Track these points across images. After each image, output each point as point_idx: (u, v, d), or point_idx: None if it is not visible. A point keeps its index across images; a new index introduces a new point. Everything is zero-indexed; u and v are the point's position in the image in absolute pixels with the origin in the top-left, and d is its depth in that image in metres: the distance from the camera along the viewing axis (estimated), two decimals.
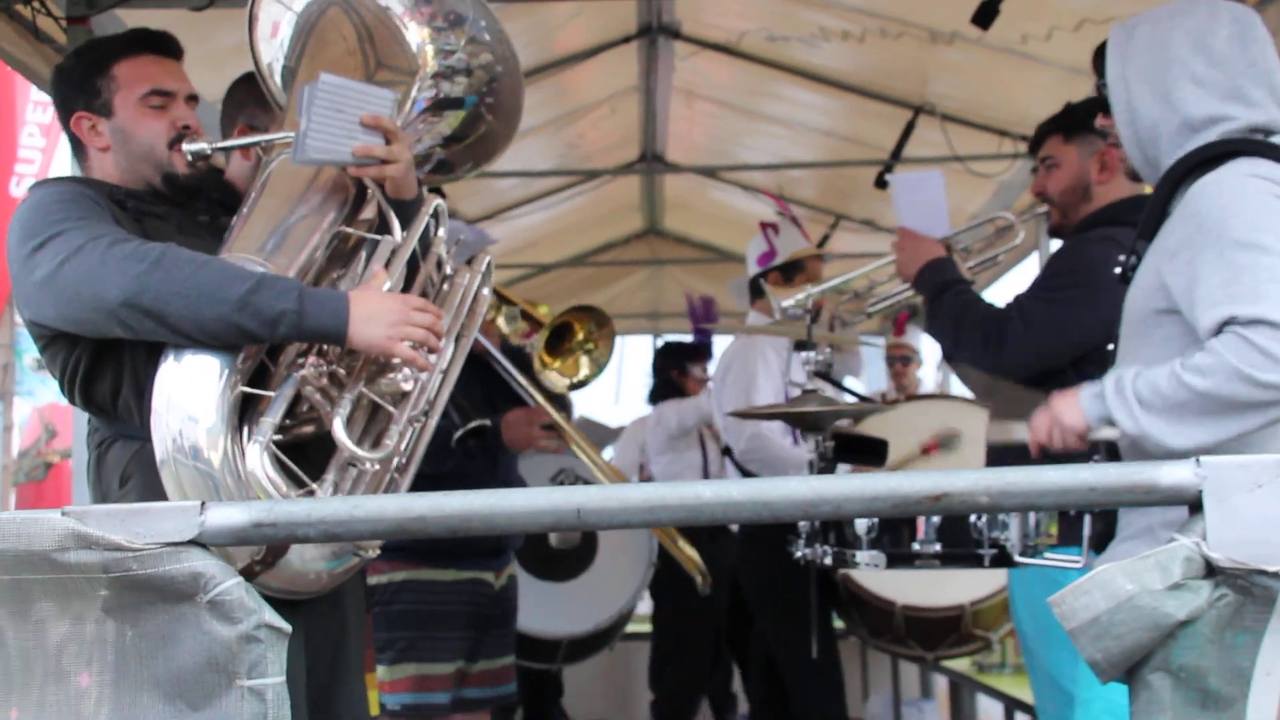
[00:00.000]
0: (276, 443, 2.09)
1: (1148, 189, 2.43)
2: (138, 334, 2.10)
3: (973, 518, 2.49)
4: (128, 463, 2.20)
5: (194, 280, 2.05)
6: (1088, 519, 2.31)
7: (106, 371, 2.21)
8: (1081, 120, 2.97)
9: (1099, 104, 2.43)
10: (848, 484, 1.48)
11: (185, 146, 2.30)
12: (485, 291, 2.60)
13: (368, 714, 2.54)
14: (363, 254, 2.31)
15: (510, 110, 2.54)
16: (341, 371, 2.18)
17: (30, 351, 8.86)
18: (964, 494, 1.45)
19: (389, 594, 3.48)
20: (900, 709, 6.33)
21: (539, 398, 3.56)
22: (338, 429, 2.09)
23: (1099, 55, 2.40)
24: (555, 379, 3.65)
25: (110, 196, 2.27)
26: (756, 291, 4.54)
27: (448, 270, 2.50)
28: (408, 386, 2.21)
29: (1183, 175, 2.17)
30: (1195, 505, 1.42)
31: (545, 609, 4.61)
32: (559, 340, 3.71)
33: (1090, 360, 2.82)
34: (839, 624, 4.59)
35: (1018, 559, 2.50)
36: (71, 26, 3.46)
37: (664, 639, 5.81)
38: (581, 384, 3.70)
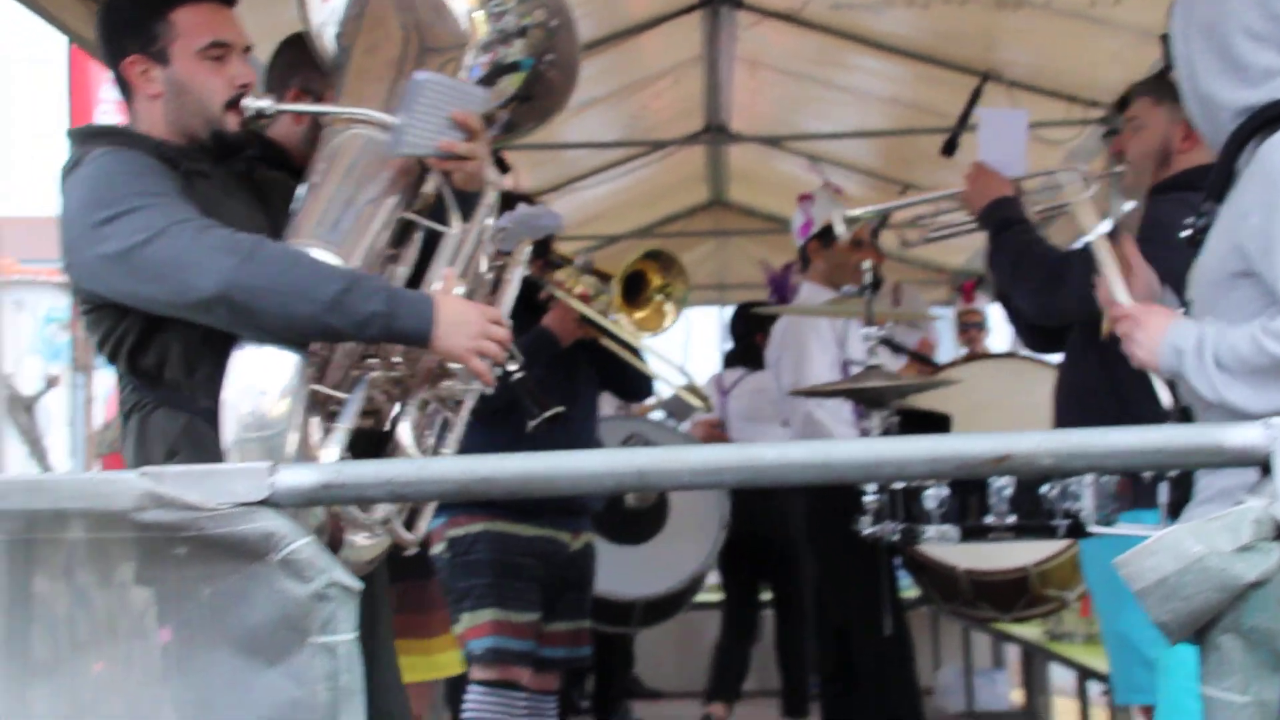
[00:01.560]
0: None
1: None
2: (216, 324, 2.09)
3: (1044, 488, 2.46)
4: (175, 437, 2.18)
5: (286, 277, 2.04)
6: (1163, 485, 2.29)
7: (155, 343, 2.19)
8: (1173, 87, 2.96)
9: None
10: (910, 445, 1.48)
11: (247, 103, 2.25)
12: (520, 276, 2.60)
13: (400, 685, 2.56)
14: (417, 235, 2.30)
15: (569, 64, 2.50)
16: (405, 373, 2.19)
17: None
18: (1028, 455, 1.45)
19: (466, 544, 3.54)
20: (972, 678, 6.30)
21: (632, 342, 3.54)
22: (406, 434, 2.11)
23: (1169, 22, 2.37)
24: (638, 330, 3.59)
25: (159, 155, 2.22)
26: (805, 263, 4.53)
27: (499, 263, 2.48)
28: (466, 396, 2.23)
29: (1249, 134, 2.14)
30: (1265, 466, 1.40)
31: (619, 572, 4.63)
32: (635, 291, 3.67)
33: None
34: (910, 594, 4.58)
35: (1092, 529, 2.48)
36: None
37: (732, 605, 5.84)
38: (668, 329, 3.63)
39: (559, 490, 1.53)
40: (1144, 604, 1.38)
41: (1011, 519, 2.47)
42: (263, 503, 1.54)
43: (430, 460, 1.60)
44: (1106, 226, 3.17)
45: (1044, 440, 1.45)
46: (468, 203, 2.33)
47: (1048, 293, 2.87)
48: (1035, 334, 3.28)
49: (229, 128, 2.27)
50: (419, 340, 2.12)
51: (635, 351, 3.61)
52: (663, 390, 4.25)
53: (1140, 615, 1.45)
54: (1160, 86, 3.03)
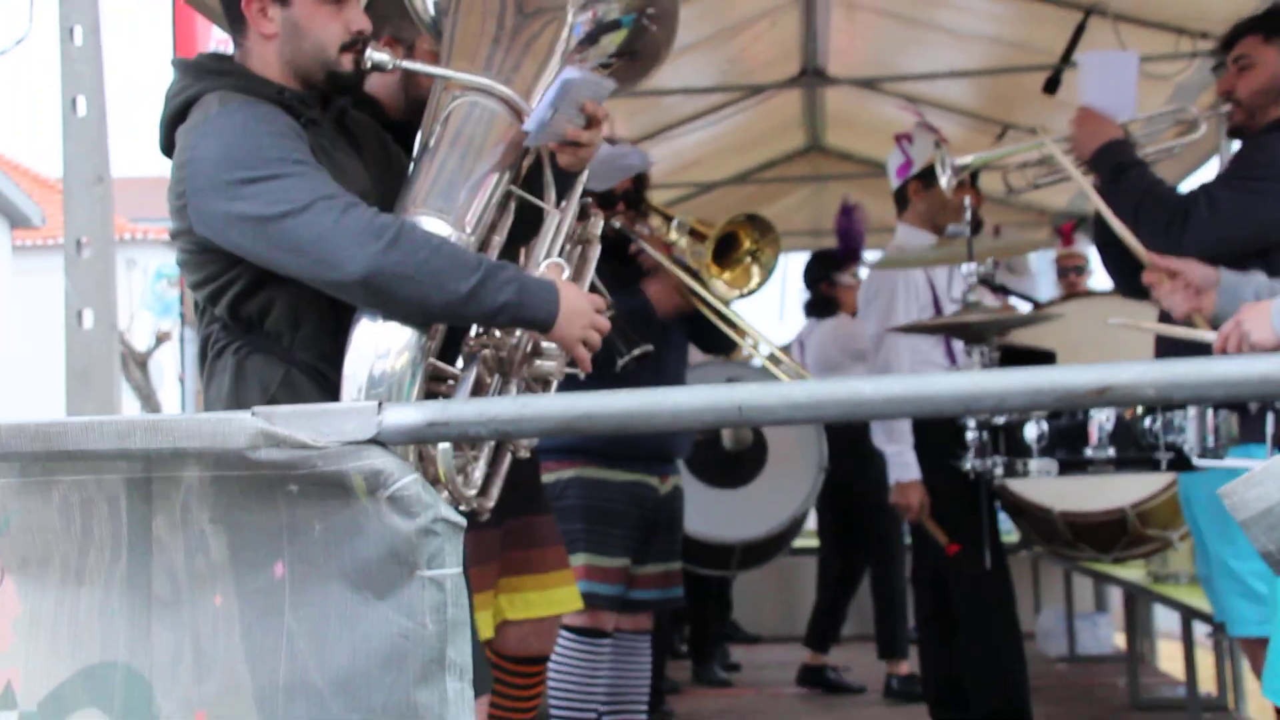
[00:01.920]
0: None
1: None
2: (350, 301, 2.13)
3: (1146, 421, 2.45)
4: (275, 386, 2.19)
5: (427, 267, 2.07)
6: (1270, 416, 2.26)
7: (262, 294, 2.20)
8: None
9: None
10: (1009, 377, 1.48)
11: (371, 54, 2.26)
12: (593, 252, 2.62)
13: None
14: (512, 204, 2.32)
15: (670, 16, 2.51)
16: (508, 353, 2.23)
17: None
18: (1129, 386, 1.44)
19: (558, 490, 3.60)
20: (1074, 622, 6.26)
21: (720, 307, 3.59)
22: None
23: None
24: (724, 289, 3.68)
25: (280, 101, 2.23)
26: (902, 204, 4.48)
27: (588, 238, 2.50)
28: (557, 376, 2.27)
29: None
30: None
31: (718, 515, 4.68)
32: (726, 251, 3.73)
33: (1277, 254, 2.79)
34: (1011, 538, 4.56)
35: (1197, 462, 2.46)
36: None
37: (828, 550, 5.85)
38: (753, 291, 3.72)
39: (659, 426, 1.55)
40: (1249, 534, 1.36)
41: (1111, 452, 2.46)
42: (371, 441, 1.58)
43: (532, 398, 1.63)
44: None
45: (1146, 371, 1.44)
46: (566, 181, 2.36)
47: (1177, 232, 2.85)
48: (1135, 282, 3.24)
49: (344, 68, 2.26)
50: (542, 328, 2.18)
51: (729, 321, 3.65)
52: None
53: (1247, 548, 1.44)
54: (1269, 23, 2.99)
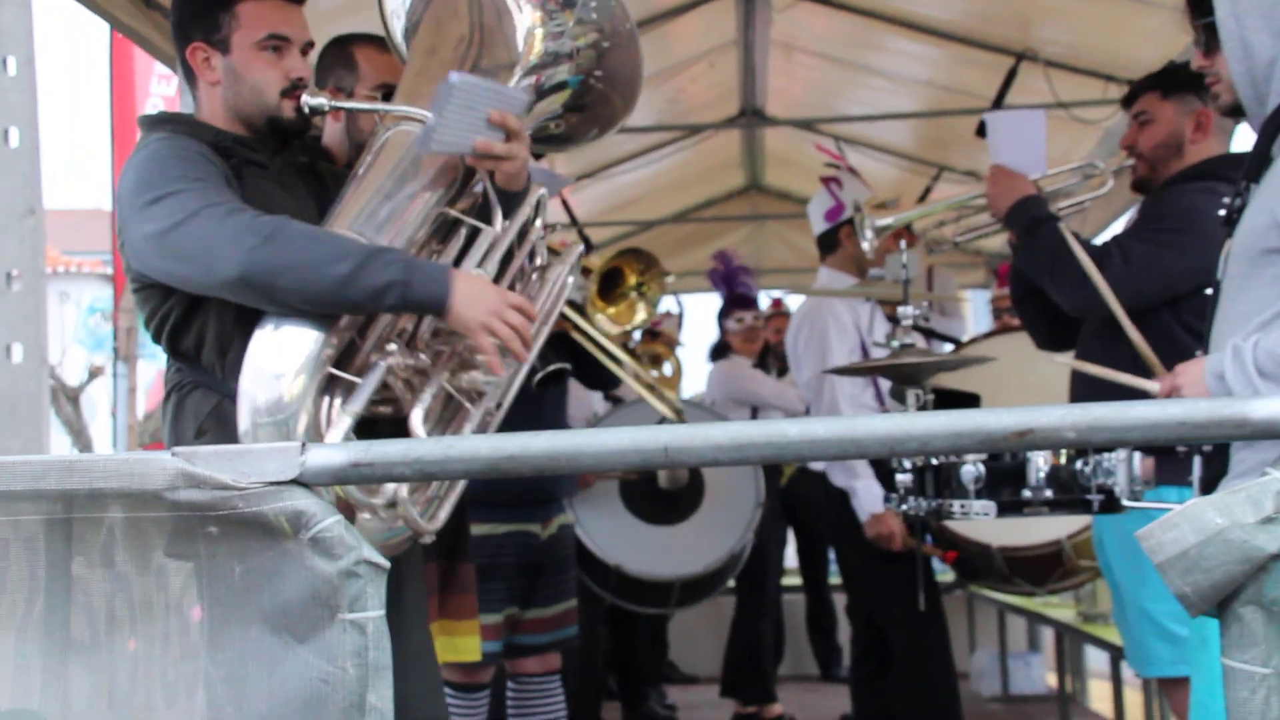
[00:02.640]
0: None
1: (1234, 148, 2.45)
2: (245, 302, 2.17)
3: (1078, 464, 2.47)
4: (205, 416, 2.26)
5: (304, 254, 2.11)
6: (1198, 460, 2.29)
7: (195, 324, 2.28)
8: (1182, 80, 3.02)
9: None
10: (933, 420, 1.48)
11: (306, 100, 2.34)
12: (571, 280, 2.63)
13: (432, 660, 2.58)
14: (462, 230, 2.36)
15: (626, 79, 2.56)
16: (426, 361, 2.23)
17: None
18: (1050, 429, 1.45)
19: None
20: (1007, 661, 6.30)
21: (604, 342, 3.59)
22: (415, 419, 2.14)
23: None
24: (607, 324, 3.66)
25: (215, 143, 2.32)
26: (826, 248, 4.50)
27: (539, 261, 2.53)
28: (487, 388, 2.26)
29: None
30: None
31: (656, 552, 4.67)
32: (611, 286, 3.72)
33: (1185, 305, 2.85)
34: (945, 578, 4.58)
35: (1126, 504, 2.48)
36: None
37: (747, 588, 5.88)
38: (638, 327, 3.70)
39: (583, 468, 1.55)
40: (1165, 576, 1.38)
41: (1048, 493, 2.47)
42: (293, 482, 1.56)
43: (457, 439, 1.62)
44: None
45: (1066, 414, 1.45)
46: (510, 202, 2.37)
47: (1089, 287, 2.87)
48: (1053, 335, 3.30)
49: (285, 114, 2.36)
50: (435, 308, 2.16)
51: (610, 354, 3.64)
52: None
53: (1161, 589, 1.45)
54: (1166, 80, 3.10)
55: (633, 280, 3.70)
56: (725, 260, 6.74)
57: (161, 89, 8.35)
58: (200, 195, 2.17)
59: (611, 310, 3.69)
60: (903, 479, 2.73)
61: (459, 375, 2.25)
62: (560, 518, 3.83)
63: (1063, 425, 1.45)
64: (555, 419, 3.81)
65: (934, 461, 2.63)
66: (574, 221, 4.56)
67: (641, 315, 3.69)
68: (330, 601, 1.55)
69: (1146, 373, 2.54)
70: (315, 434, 2.11)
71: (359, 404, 2.13)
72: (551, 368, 3.34)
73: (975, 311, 8.64)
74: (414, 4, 2.51)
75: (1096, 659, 5.35)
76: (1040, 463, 2.51)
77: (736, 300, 6.47)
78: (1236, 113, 2.36)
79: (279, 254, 2.10)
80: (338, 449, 1.57)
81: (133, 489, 1.58)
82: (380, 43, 2.71)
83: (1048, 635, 6.38)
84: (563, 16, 2.47)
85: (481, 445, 1.58)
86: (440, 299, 2.15)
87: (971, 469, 2.52)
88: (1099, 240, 3.18)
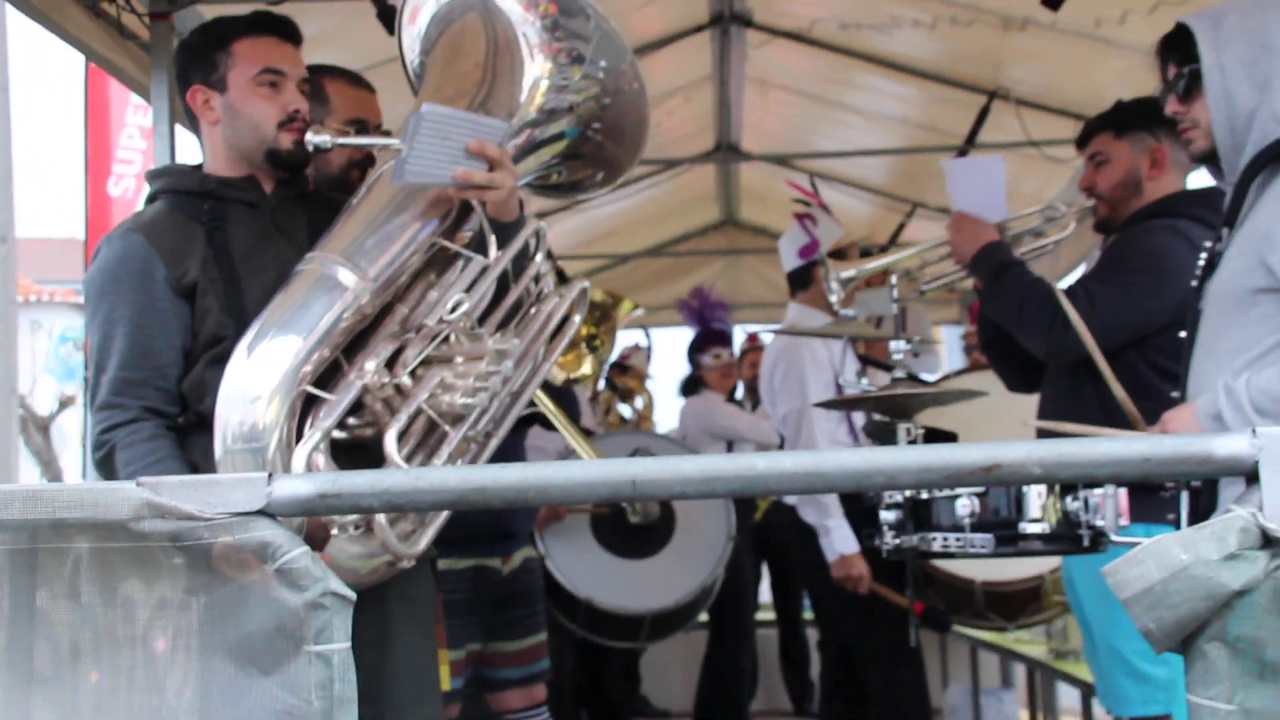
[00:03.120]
0: (335, 441, 2.16)
1: (1190, 183, 2.48)
2: None
3: (1068, 500, 2.45)
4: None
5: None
6: (1185, 496, 2.30)
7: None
8: (1133, 118, 3.03)
9: (1150, 102, 2.46)
10: (900, 455, 1.49)
11: (310, 138, 2.38)
12: (576, 318, 2.62)
13: (432, 691, 2.57)
14: (460, 263, 2.37)
15: (628, 131, 2.58)
16: (407, 383, 2.23)
17: None
18: (1016, 465, 1.45)
19: None
20: (979, 698, 6.29)
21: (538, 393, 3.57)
22: (389, 441, 2.14)
23: (1167, 43, 2.42)
24: (554, 372, 3.61)
25: (200, 191, 2.40)
26: (797, 284, 4.51)
27: (543, 289, 2.53)
28: (466, 410, 2.25)
29: (1264, 164, 2.21)
30: (1252, 476, 1.41)
31: (627, 586, 4.65)
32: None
33: (1152, 344, 2.86)
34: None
35: (1115, 539, 2.48)
36: (154, 23, 3.55)
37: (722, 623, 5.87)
38: (579, 380, 3.63)
39: (552, 500, 1.55)
40: (1131, 612, 1.38)
41: (1044, 527, 2.45)
42: (259, 512, 1.55)
43: (426, 470, 1.61)
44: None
45: (1033, 450, 1.46)
46: (504, 232, 2.38)
47: (1058, 331, 2.87)
48: (1023, 377, 3.29)
49: (283, 146, 2.41)
50: None
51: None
52: None
53: (1130, 628, 1.45)
54: (1118, 119, 3.10)
55: (584, 332, 3.65)
56: (702, 296, 6.76)
57: (137, 119, 8.33)
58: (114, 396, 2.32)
59: (561, 358, 3.67)
60: (887, 516, 2.70)
61: (438, 398, 2.24)
62: (523, 552, 3.79)
63: (1029, 461, 1.46)
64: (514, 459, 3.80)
65: (923, 496, 2.61)
66: (549, 255, 4.56)
67: (587, 369, 3.64)
68: (296, 633, 1.53)
69: (1117, 412, 2.55)
70: (288, 452, 2.11)
71: (331, 420, 2.14)
72: (526, 412, 3.33)
73: (949, 349, 8.68)
74: (428, 36, 2.52)
75: (1068, 696, 5.34)
76: (1036, 495, 2.50)
77: (712, 336, 6.49)
78: (1207, 159, 2.38)
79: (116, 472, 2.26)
80: (305, 480, 1.57)
81: (97, 519, 1.57)
82: (350, 76, 2.73)
83: (1020, 672, 6.38)
84: (570, 71, 2.49)
85: (450, 476, 1.57)
86: None
87: (966, 503, 2.51)
88: (1064, 284, 3.19)
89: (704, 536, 4.76)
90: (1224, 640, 1.38)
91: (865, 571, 4.13)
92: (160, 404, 2.31)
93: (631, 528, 4.70)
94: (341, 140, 2.44)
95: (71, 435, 15.29)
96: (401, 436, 2.18)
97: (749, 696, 6.22)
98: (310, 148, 2.38)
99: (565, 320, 2.59)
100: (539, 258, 2.51)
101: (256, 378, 2.15)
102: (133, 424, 2.27)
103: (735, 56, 5.52)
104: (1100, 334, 2.79)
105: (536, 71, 2.49)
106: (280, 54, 2.44)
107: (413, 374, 2.25)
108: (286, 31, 2.47)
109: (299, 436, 2.14)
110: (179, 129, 3.62)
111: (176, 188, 2.43)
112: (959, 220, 3.18)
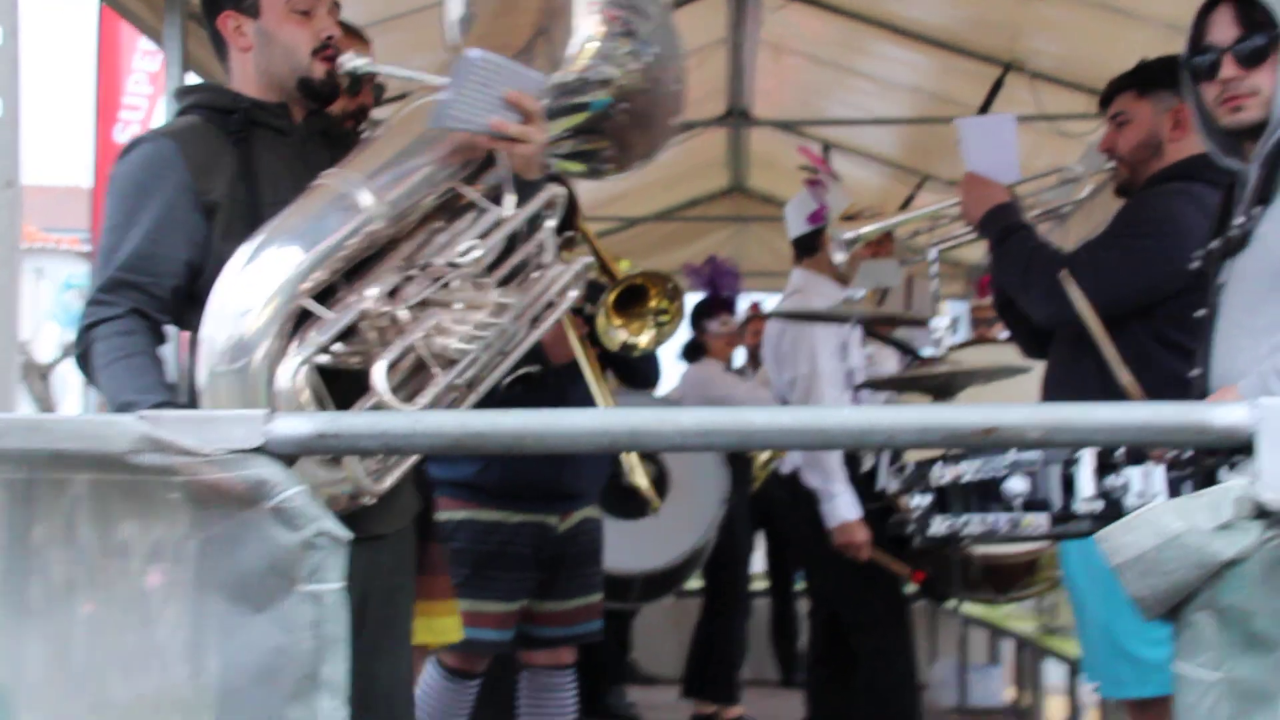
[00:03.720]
0: (320, 365, 2.11)
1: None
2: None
3: (1111, 479, 2.37)
4: None
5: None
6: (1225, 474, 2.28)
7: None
8: (1157, 76, 2.96)
9: (1173, 61, 2.41)
10: (899, 414, 1.49)
11: (346, 64, 2.37)
12: (573, 293, 2.58)
13: (406, 684, 2.58)
14: (474, 213, 2.34)
15: (655, 127, 2.57)
16: (405, 317, 2.20)
17: None
18: (1015, 428, 1.46)
19: (448, 532, 3.52)
20: (967, 673, 6.32)
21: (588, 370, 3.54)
22: (378, 370, 2.09)
23: (1205, 11, 2.38)
24: (619, 335, 3.57)
25: (233, 108, 2.37)
26: (804, 250, 4.48)
27: (546, 259, 2.50)
28: (459, 355, 2.22)
29: None
30: (1248, 447, 1.41)
31: (618, 546, 4.63)
32: (631, 301, 3.67)
33: (1159, 313, 2.81)
34: (908, 588, 4.57)
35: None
36: None
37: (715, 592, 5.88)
38: (638, 351, 3.59)
39: (551, 448, 1.55)
40: (1122, 578, 1.39)
41: (1099, 505, 2.38)
42: (257, 450, 1.55)
43: (425, 413, 1.61)
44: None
45: (1032, 413, 1.46)
46: (524, 190, 2.36)
47: (1058, 298, 2.82)
48: (1036, 342, 3.25)
49: (315, 75, 2.38)
50: None
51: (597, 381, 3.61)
52: None
53: (1126, 610, 1.45)
54: (1142, 79, 3.01)
55: (654, 303, 3.63)
56: (715, 263, 6.72)
57: (146, 64, 8.28)
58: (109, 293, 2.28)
59: (621, 322, 3.61)
60: (920, 501, 2.55)
61: (433, 338, 2.21)
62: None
63: (1027, 424, 1.46)
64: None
65: (965, 478, 2.50)
66: (575, 213, 4.51)
67: (646, 340, 3.61)
68: (289, 572, 1.54)
69: (1115, 385, 2.53)
70: (272, 364, 2.07)
71: (325, 338, 2.09)
72: (520, 372, 3.31)
73: (959, 320, 8.66)
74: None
75: (1055, 674, 5.36)
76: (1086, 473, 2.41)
77: (722, 303, 6.45)
78: (1251, 133, 2.33)
79: (99, 355, 2.24)
80: (304, 419, 1.57)
81: (95, 451, 1.57)
82: (345, 27, 2.70)
83: (1008, 648, 6.41)
84: (620, 43, 2.48)
85: (448, 420, 1.58)
86: None
87: (1019, 481, 2.40)
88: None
89: (697, 499, 4.76)
90: (1213, 609, 1.39)
91: (867, 538, 4.13)
92: (150, 309, 2.27)
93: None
94: (380, 68, 2.42)
95: (72, 382, 15.32)
96: (390, 370, 2.13)
97: (738, 667, 6.24)
98: (344, 70, 2.37)
99: (562, 293, 2.55)
100: (551, 224, 2.49)
101: (251, 288, 2.11)
102: (116, 320, 2.24)
103: (751, 20, 5.48)
104: (1104, 302, 2.74)
105: (589, 31, 2.47)
106: None
107: (411, 311, 2.22)
108: None
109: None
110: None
111: (210, 104, 2.39)
112: (970, 181, 3.12)
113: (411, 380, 2.24)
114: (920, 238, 3.49)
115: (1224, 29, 2.33)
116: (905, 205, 6.94)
